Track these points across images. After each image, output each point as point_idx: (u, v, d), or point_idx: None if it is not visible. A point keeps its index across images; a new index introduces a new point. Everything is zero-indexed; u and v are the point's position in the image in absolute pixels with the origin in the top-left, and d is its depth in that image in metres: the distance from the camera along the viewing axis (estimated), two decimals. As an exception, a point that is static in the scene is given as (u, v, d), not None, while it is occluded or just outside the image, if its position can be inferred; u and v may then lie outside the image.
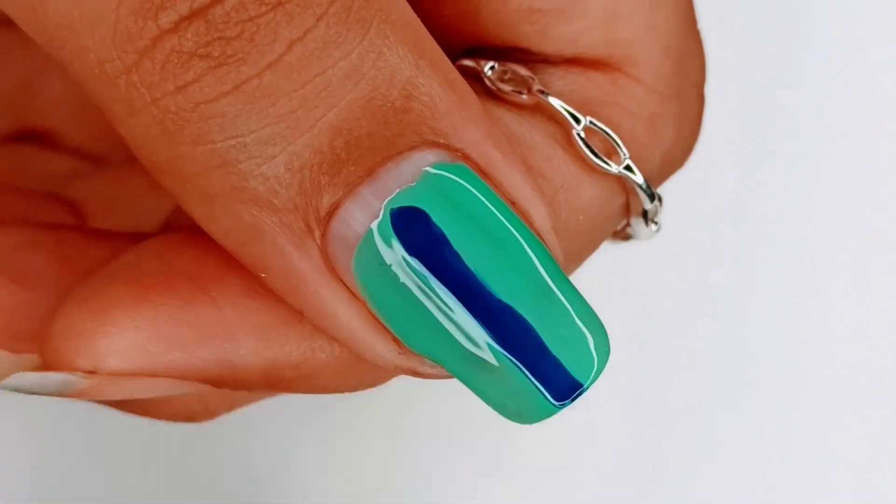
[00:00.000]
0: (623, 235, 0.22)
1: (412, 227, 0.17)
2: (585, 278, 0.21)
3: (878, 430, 0.36)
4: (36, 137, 0.27)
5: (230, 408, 0.25)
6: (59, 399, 0.19)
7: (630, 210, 0.21)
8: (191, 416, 0.25)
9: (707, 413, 0.35)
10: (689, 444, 0.35)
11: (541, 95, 0.20)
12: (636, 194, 0.20)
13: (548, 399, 0.18)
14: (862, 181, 0.36)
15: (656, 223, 0.21)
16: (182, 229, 0.20)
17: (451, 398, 0.19)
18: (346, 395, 0.20)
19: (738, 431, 0.36)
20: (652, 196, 0.20)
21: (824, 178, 0.36)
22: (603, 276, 0.26)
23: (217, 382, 0.19)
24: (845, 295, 0.36)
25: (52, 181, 0.26)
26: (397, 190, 0.17)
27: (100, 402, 0.22)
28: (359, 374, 0.19)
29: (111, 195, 0.26)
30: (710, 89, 0.22)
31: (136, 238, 0.21)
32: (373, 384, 0.20)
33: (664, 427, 0.35)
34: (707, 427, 0.35)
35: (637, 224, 0.21)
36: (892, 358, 0.36)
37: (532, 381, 0.18)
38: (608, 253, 0.22)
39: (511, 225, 0.18)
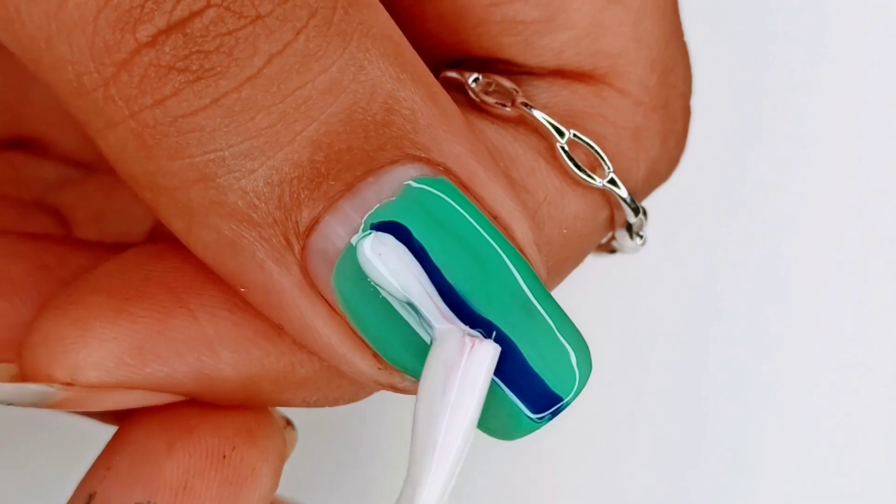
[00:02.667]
0: (608, 249, 0.22)
1: None
2: (569, 292, 0.21)
3: (870, 438, 0.36)
4: (24, 144, 0.26)
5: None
6: (37, 410, 0.19)
7: (615, 223, 0.21)
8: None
9: (693, 426, 0.35)
10: (675, 457, 0.35)
11: (524, 108, 0.20)
12: (621, 208, 0.20)
13: (527, 415, 0.18)
14: (852, 189, 0.36)
15: (641, 236, 0.21)
16: (165, 239, 0.20)
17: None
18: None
19: (726, 442, 0.36)
20: (636, 210, 0.20)
21: (813, 189, 0.36)
22: (587, 290, 0.26)
23: (195, 395, 0.19)
24: (833, 308, 0.36)
25: (39, 188, 0.26)
26: (378, 204, 0.17)
27: (79, 413, 0.22)
28: (339, 388, 0.19)
29: (98, 203, 0.26)
30: (697, 101, 0.22)
31: (118, 248, 0.21)
32: (353, 399, 0.20)
33: (649, 439, 0.35)
34: (692, 440, 0.35)
35: (622, 237, 0.21)
36: (875, 372, 0.36)
37: (511, 397, 0.18)
38: (593, 266, 0.22)
39: (493, 239, 0.18)
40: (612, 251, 0.22)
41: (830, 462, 0.36)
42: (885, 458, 0.36)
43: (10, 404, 0.19)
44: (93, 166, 0.26)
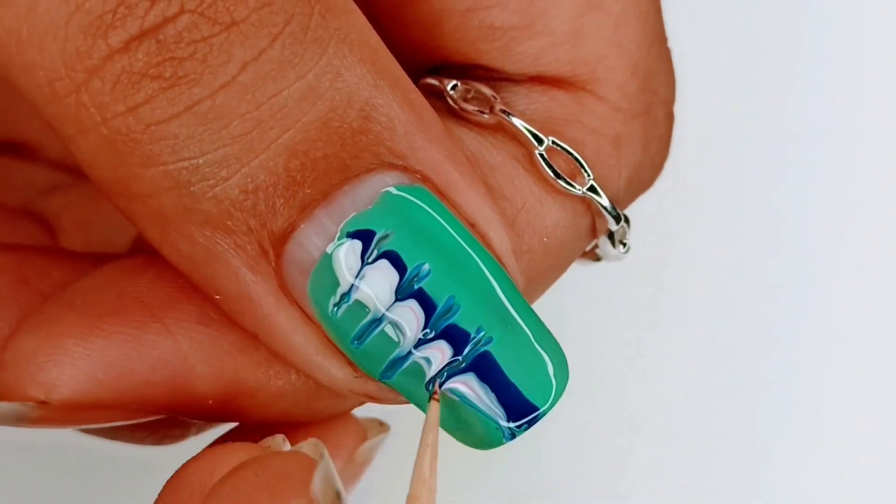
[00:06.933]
0: (593, 256, 0.22)
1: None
2: (552, 299, 0.21)
3: (869, 439, 0.36)
4: (13, 148, 0.26)
5: (198, 429, 0.25)
6: (14, 427, 0.19)
7: (597, 231, 0.20)
8: (158, 439, 0.24)
9: (672, 436, 0.35)
10: (653, 466, 0.35)
11: (503, 115, 0.19)
12: (602, 215, 0.20)
13: (503, 425, 0.18)
14: (838, 197, 0.36)
15: (625, 244, 0.21)
16: (149, 248, 0.19)
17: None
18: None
19: (707, 451, 0.35)
20: (617, 217, 0.20)
21: (798, 194, 0.36)
22: (571, 298, 0.26)
23: (171, 411, 0.18)
24: (815, 314, 0.36)
25: (28, 193, 0.25)
26: (354, 213, 0.17)
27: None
28: (318, 400, 0.19)
29: (85, 209, 0.25)
30: (680, 106, 0.21)
31: (100, 259, 0.21)
32: (335, 411, 0.19)
33: (627, 448, 0.35)
34: (671, 450, 0.35)
35: (604, 245, 0.21)
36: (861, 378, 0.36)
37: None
38: (575, 274, 0.21)
39: (470, 248, 0.17)
40: (598, 259, 0.22)
41: (824, 463, 0.36)
42: (885, 458, 0.36)
43: (-15, 422, 0.19)
44: (81, 171, 0.26)
